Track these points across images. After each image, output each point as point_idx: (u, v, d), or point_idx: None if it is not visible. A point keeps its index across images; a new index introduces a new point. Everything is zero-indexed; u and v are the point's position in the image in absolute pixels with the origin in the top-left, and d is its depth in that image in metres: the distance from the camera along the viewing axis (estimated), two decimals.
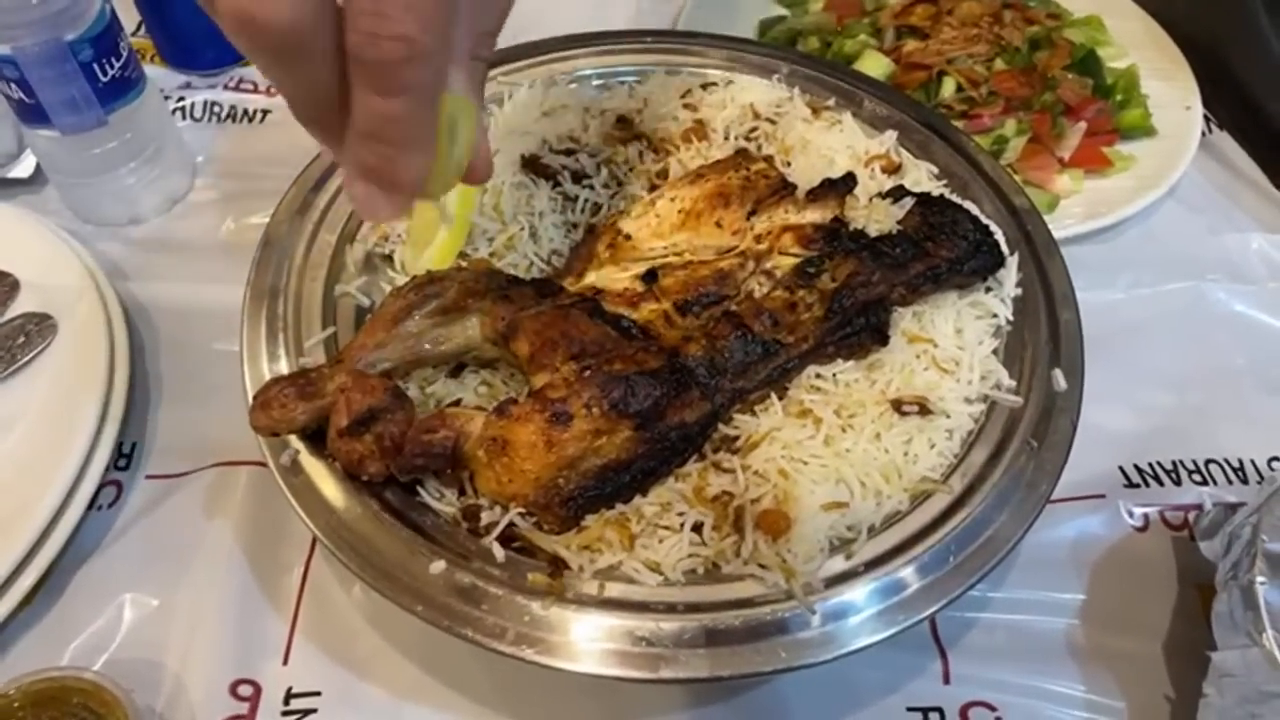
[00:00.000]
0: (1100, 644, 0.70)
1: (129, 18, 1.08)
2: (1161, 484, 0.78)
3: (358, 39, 0.42)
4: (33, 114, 0.84)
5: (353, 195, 0.48)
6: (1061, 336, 0.71)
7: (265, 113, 1.05)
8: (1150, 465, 0.79)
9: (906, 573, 0.60)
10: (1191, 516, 0.75)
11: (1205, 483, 0.78)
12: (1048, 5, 1.09)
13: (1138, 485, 0.78)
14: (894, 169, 0.82)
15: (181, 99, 1.05)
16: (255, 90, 1.06)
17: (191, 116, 1.04)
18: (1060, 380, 0.68)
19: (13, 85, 0.82)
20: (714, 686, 0.67)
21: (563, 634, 0.56)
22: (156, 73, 1.07)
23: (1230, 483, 0.78)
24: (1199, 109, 1.01)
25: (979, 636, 0.70)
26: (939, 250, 0.72)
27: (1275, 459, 0.79)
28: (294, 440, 0.63)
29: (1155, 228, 0.96)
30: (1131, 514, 0.76)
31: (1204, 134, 1.02)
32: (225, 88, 1.06)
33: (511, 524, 0.60)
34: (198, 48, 1.07)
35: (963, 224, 0.73)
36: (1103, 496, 0.77)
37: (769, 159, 0.79)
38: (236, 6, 0.40)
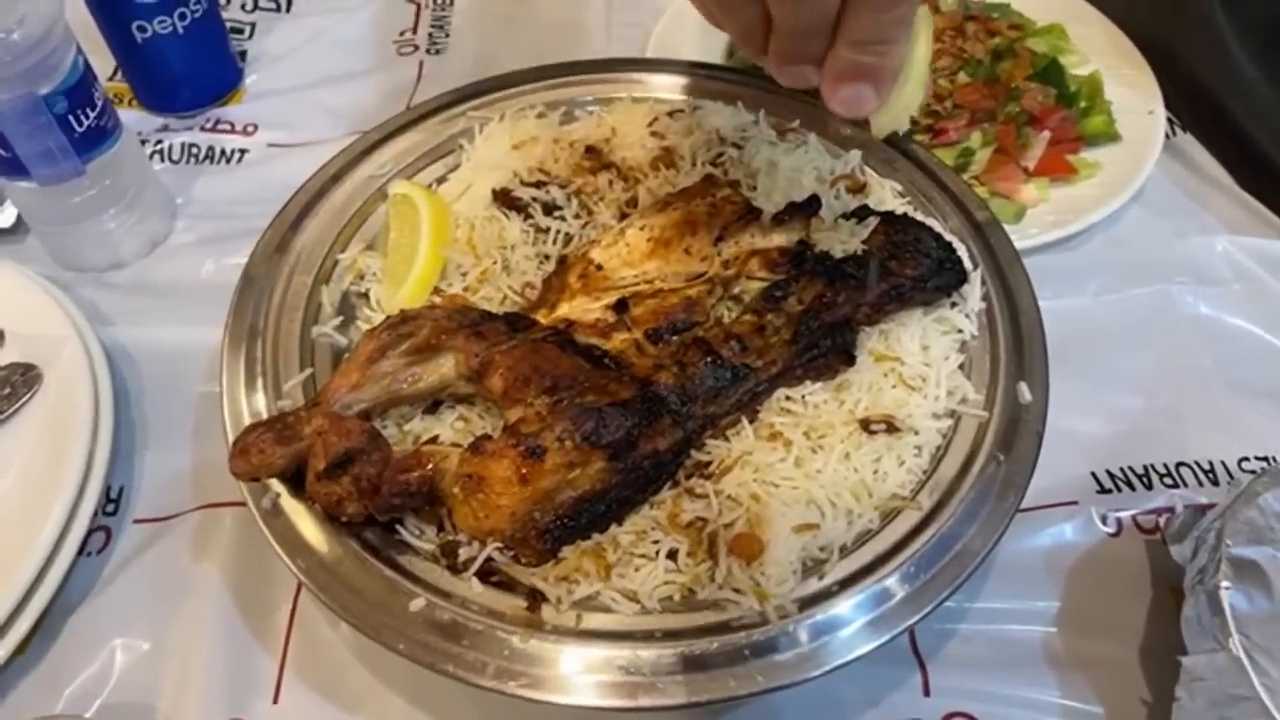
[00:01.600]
0: (1077, 650, 0.71)
1: (106, 62, 1.10)
2: (1133, 488, 0.79)
3: None
4: (10, 167, 0.85)
5: (839, 99, 0.59)
6: (1025, 348, 0.72)
7: (243, 152, 1.06)
8: (1122, 470, 0.80)
9: (878, 590, 0.61)
10: (1163, 520, 0.76)
11: (1176, 486, 0.79)
12: (1010, 16, 1.11)
13: (1110, 490, 0.79)
14: (859, 188, 0.83)
15: (159, 141, 1.06)
16: (232, 130, 1.08)
17: (170, 159, 1.05)
18: (1025, 393, 0.70)
19: None
20: (697, 710, 0.68)
21: (542, 666, 0.58)
22: (134, 116, 1.09)
23: (1201, 485, 0.79)
24: (1162, 113, 1.02)
25: (957, 647, 0.71)
26: (903, 269, 0.73)
27: (1245, 460, 0.81)
28: (274, 484, 0.64)
29: (1122, 233, 0.97)
30: (1105, 519, 0.77)
31: (1168, 136, 1.03)
32: (202, 129, 1.08)
33: (490, 558, 0.62)
34: (174, 90, 1.08)
35: (925, 242, 0.75)
36: (1076, 503, 0.78)
37: (735, 184, 0.81)
38: None
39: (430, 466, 0.62)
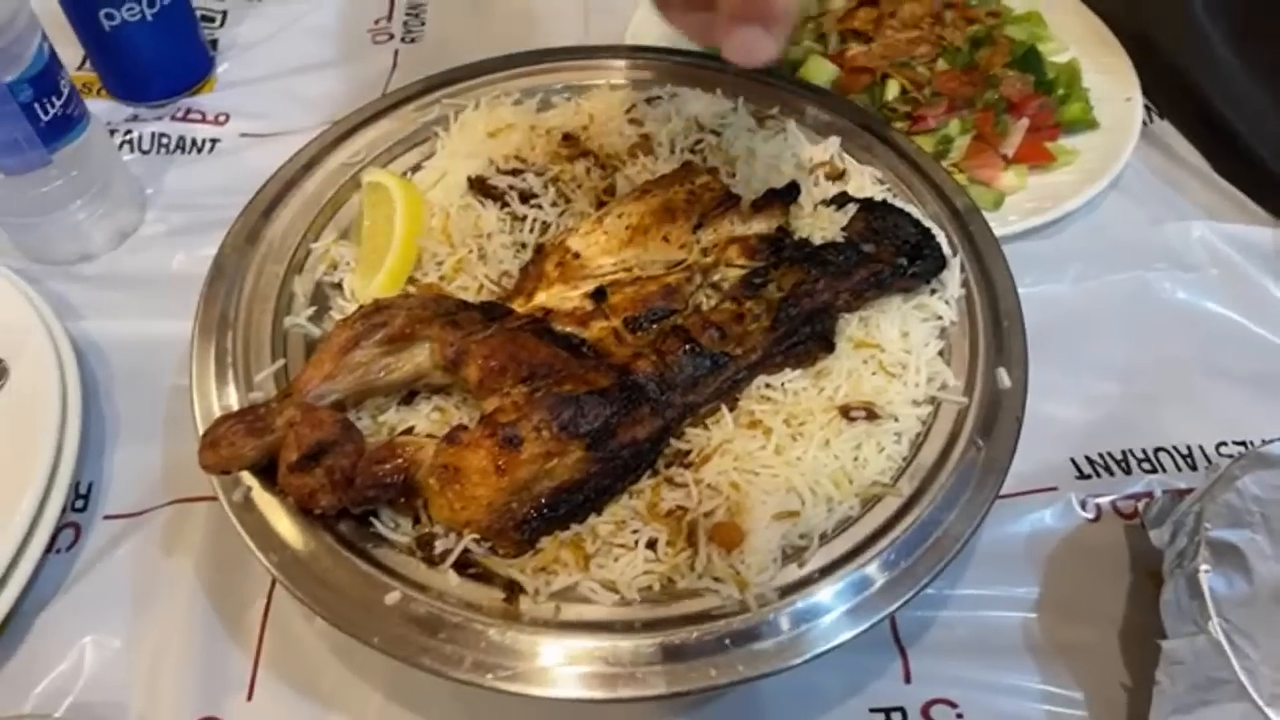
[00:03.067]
0: (1057, 636, 0.71)
1: (74, 52, 1.08)
2: (1112, 474, 0.79)
3: None
4: None
5: (732, 48, 0.59)
6: (1005, 334, 0.72)
7: (214, 142, 1.05)
8: (1101, 455, 0.80)
9: (860, 578, 0.61)
10: (1142, 505, 0.76)
11: (1155, 471, 0.79)
12: (988, 3, 1.10)
13: (1089, 476, 0.79)
14: (838, 175, 0.83)
15: (129, 132, 1.04)
16: (203, 120, 1.06)
17: (140, 149, 1.03)
18: (1004, 378, 0.69)
19: None
20: (679, 700, 0.67)
21: (520, 658, 0.57)
22: (103, 106, 1.07)
23: (1180, 470, 0.80)
24: (1139, 100, 1.02)
25: (938, 634, 0.71)
26: (882, 255, 0.73)
27: (1222, 445, 0.81)
28: (246, 476, 0.63)
29: (1100, 219, 0.97)
30: (1084, 505, 0.77)
31: (1145, 124, 1.03)
32: (173, 119, 1.06)
33: (466, 550, 0.61)
34: (145, 80, 1.06)
35: (905, 228, 0.74)
36: (1055, 489, 0.78)
37: (714, 171, 0.80)
38: None
39: (405, 458, 0.61)
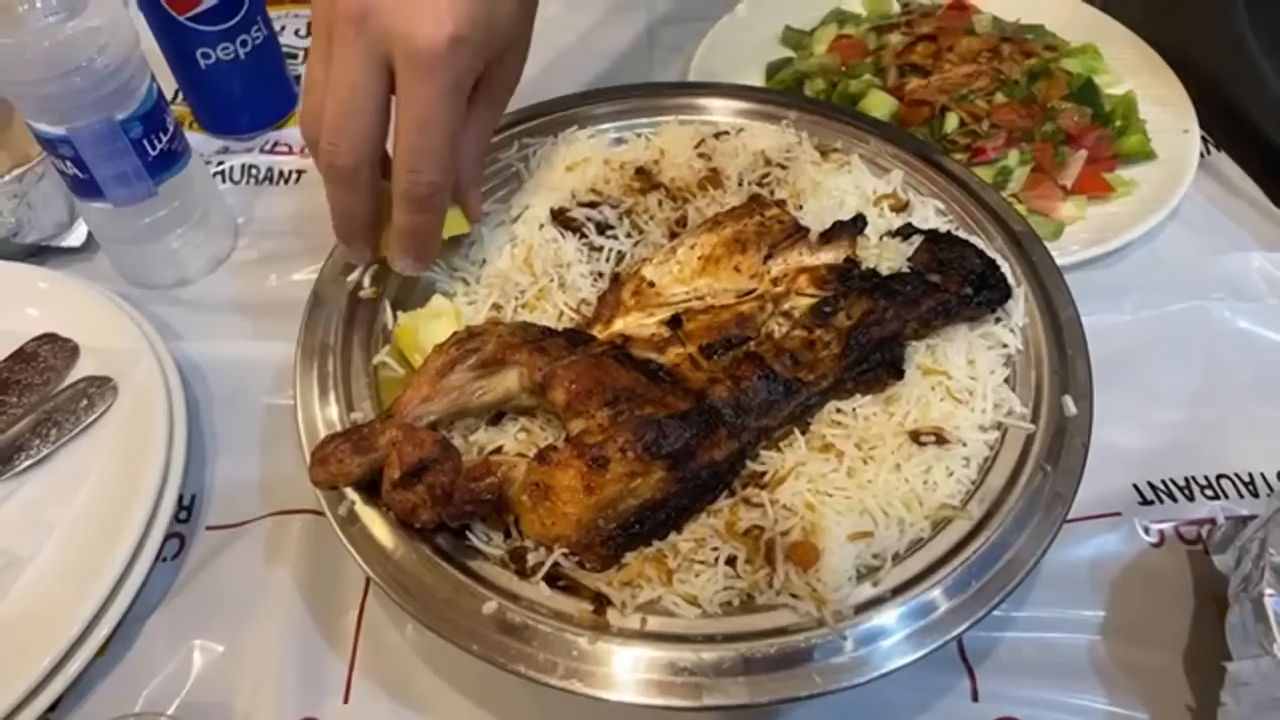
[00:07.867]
0: (1122, 658, 0.73)
1: (166, 87, 1.14)
2: (1175, 500, 0.81)
3: (402, 183, 0.69)
4: (87, 188, 0.89)
5: (396, 266, 0.76)
6: (1070, 363, 0.74)
7: (299, 173, 1.10)
8: (1164, 482, 0.82)
9: (932, 596, 0.63)
10: (1205, 531, 0.78)
11: (1217, 497, 0.81)
12: (1044, 37, 1.13)
13: (1152, 502, 0.81)
14: (902, 207, 0.86)
15: (220, 163, 1.10)
16: (289, 152, 1.12)
17: (230, 179, 1.09)
18: (1070, 405, 0.72)
19: (68, 163, 0.87)
20: (752, 712, 0.70)
21: (609, 666, 0.60)
22: (195, 139, 1.12)
23: (1242, 496, 0.81)
24: (1196, 132, 1.04)
25: (1005, 654, 0.73)
26: (949, 285, 0.76)
27: None
28: (348, 491, 0.67)
29: (1159, 250, 0.99)
30: (1147, 530, 0.79)
31: (1203, 155, 1.05)
32: (261, 151, 1.12)
33: (556, 564, 0.64)
34: (234, 114, 1.12)
35: (970, 259, 0.77)
36: (1119, 514, 0.80)
37: (782, 204, 0.83)
38: (321, 158, 0.70)
39: (499, 475, 0.65)
